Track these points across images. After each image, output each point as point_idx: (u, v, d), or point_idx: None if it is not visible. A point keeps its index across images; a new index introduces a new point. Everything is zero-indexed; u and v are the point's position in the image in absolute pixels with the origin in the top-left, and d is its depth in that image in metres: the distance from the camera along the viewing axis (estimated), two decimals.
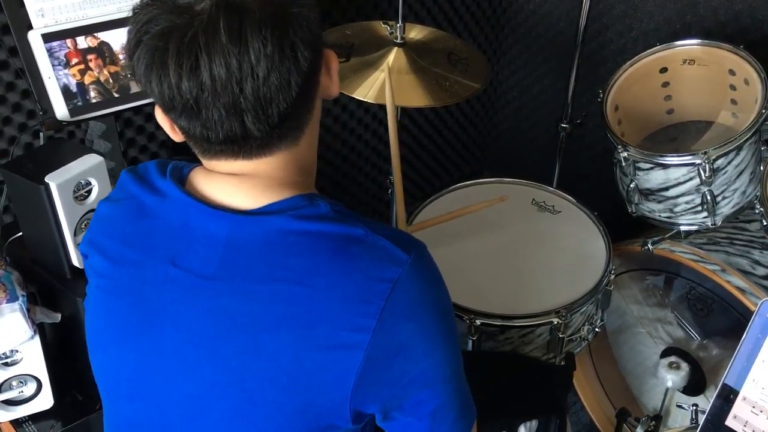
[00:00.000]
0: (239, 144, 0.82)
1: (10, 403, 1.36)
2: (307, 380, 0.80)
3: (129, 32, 0.80)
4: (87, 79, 1.41)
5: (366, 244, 0.82)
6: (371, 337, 0.79)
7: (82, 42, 1.39)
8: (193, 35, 0.75)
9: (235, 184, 0.85)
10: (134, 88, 1.45)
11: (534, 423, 1.28)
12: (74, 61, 1.39)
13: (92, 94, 1.41)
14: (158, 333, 0.86)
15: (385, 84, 1.62)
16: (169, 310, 0.85)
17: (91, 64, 1.41)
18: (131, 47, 0.79)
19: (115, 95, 1.44)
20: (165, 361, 0.86)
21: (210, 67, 0.75)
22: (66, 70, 1.38)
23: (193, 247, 0.84)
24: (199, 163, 0.90)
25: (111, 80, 1.43)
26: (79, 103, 1.41)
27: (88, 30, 1.39)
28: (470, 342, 1.45)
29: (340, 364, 0.80)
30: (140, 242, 0.87)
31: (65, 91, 1.38)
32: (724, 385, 1.07)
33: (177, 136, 0.87)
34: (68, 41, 1.38)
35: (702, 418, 1.10)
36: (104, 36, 1.41)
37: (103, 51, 1.41)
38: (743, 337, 1.05)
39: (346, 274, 0.80)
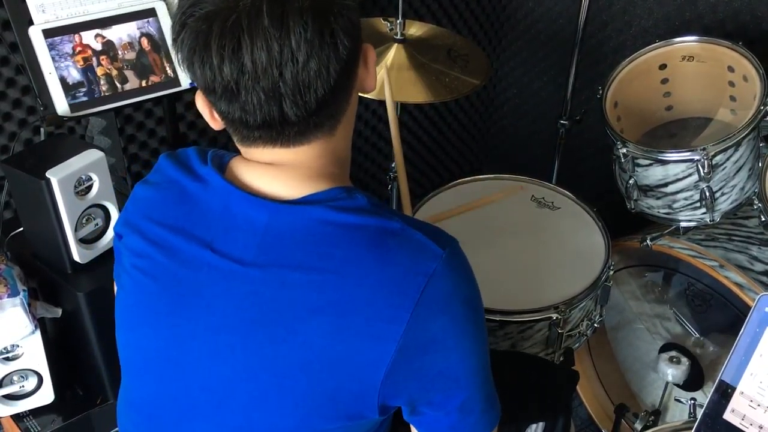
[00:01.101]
0: (277, 130, 0.83)
1: (11, 397, 1.37)
2: (338, 369, 0.82)
3: (174, 16, 0.82)
4: (99, 71, 1.42)
5: (402, 237, 0.83)
6: (405, 329, 0.80)
7: (90, 39, 1.40)
8: (236, 18, 0.77)
9: (274, 173, 0.87)
10: (133, 82, 1.46)
11: (541, 425, 1.28)
12: (78, 50, 1.39)
13: (102, 83, 1.43)
14: (192, 315, 0.88)
15: (384, 81, 1.62)
16: (205, 293, 0.87)
17: (103, 62, 1.42)
18: (176, 30, 0.81)
19: (116, 91, 1.45)
20: (196, 343, 0.88)
21: (251, 50, 0.77)
22: (69, 61, 1.38)
23: (231, 233, 0.86)
24: (235, 153, 0.92)
25: (118, 75, 1.44)
26: (81, 94, 1.41)
27: (90, 26, 1.40)
28: None
29: (372, 355, 0.81)
30: (179, 226, 0.89)
31: (64, 82, 1.39)
32: (721, 382, 1.08)
33: (216, 124, 0.88)
34: (75, 36, 1.39)
35: (700, 413, 1.11)
36: (108, 34, 1.42)
37: (108, 50, 1.42)
38: (741, 331, 1.05)
39: (383, 266, 0.81)
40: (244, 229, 0.85)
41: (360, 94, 1.60)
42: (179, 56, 0.82)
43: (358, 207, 0.85)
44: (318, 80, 0.80)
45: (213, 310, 0.86)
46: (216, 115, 0.87)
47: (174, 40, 0.82)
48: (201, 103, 0.87)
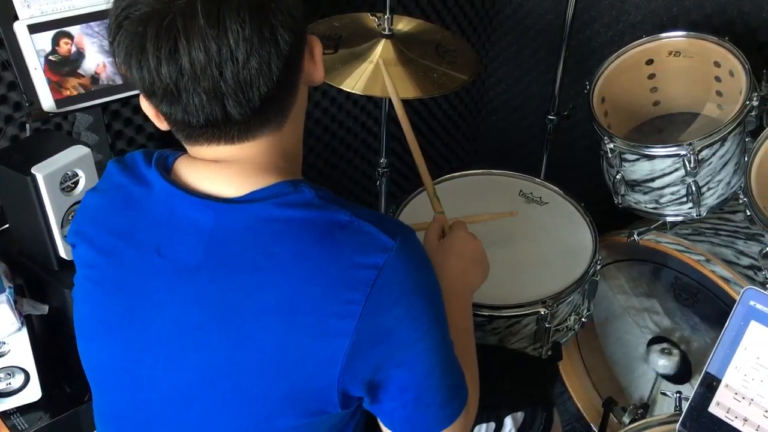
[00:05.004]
0: (220, 128, 0.82)
1: None
2: (293, 367, 0.81)
3: (110, 17, 0.80)
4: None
5: (351, 229, 0.82)
6: (357, 324, 0.79)
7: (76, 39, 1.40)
8: (172, 20, 0.75)
9: (219, 170, 0.85)
10: (120, 79, 1.45)
11: (520, 414, 1.28)
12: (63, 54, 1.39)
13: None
14: (144, 323, 0.86)
15: (376, 76, 1.62)
16: (154, 300, 0.85)
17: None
18: (112, 32, 0.79)
19: (103, 86, 1.44)
20: (151, 352, 0.87)
21: (189, 52, 0.75)
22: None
23: (177, 237, 0.84)
24: (184, 152, 0.90)
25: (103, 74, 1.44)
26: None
27: (74, 21, 1.39)
28: None
29: (326, 351, 0.80)
30: (126, 232, 0.87)
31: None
32: (707, 374, 1.09)
33: (162, 124, 0.87)
34: (62, 41, 1.38)
35: (686, 406, 1.12)
36: (92, 34, 1.42)
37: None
38: (726, 325, 1.06)
39: (331, 261, 0.80)
40: (190, 232, 0.83)
41: (348, 90, 1.62)
42: (117, 60, 0.80)
43: (305, 201, 0.83)
44: (260, 78, 0.78)
45: (164, 318, 0.85)
46: (161, 116, 0.85)
47: (110, 43, 0.80)
48: (146, 104, 0.85)
